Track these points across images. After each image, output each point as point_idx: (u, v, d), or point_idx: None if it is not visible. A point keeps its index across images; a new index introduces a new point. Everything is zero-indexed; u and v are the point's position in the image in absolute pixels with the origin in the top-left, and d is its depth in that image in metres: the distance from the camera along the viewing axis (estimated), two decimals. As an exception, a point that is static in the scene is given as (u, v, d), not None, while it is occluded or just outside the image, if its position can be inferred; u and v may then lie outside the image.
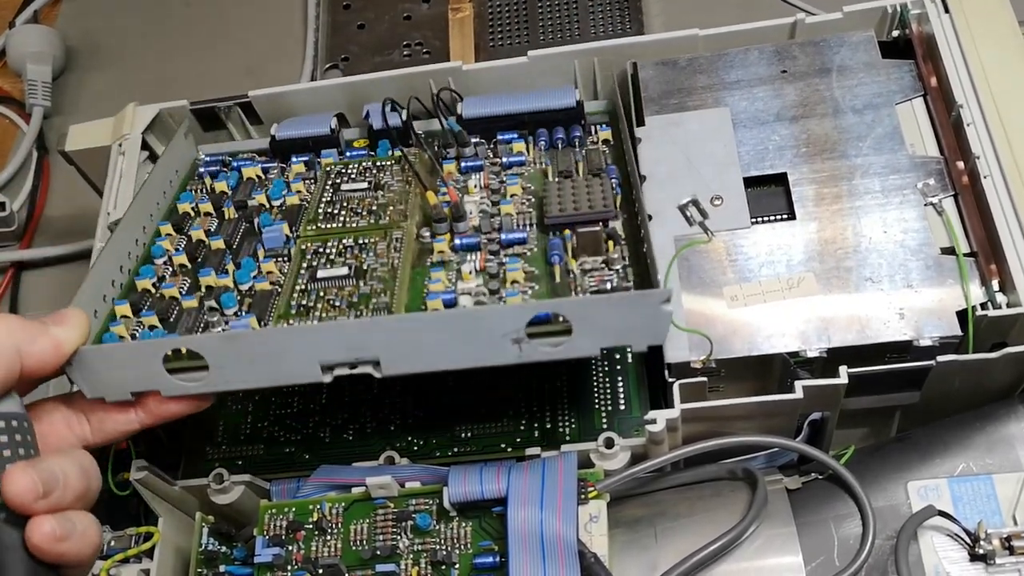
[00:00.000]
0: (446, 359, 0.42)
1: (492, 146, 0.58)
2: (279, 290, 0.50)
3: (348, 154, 0.60)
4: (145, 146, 0.65)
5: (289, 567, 0.48)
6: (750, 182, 0.53)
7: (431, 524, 0.48)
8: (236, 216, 0.57)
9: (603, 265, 0.48)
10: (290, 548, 0.49)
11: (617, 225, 0.50)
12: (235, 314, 0.50)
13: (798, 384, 0.46)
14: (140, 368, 0.43)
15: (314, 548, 0.49)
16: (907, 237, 0.50)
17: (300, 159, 0.60)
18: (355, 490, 0.50)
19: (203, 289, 0.52)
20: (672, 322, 0.47)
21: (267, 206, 0.57)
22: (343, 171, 0.57)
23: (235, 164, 0.61)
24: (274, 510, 0.50)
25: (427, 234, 0.52)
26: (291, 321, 0.47)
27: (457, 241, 0.51)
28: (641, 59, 0.60)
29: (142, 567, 0.51)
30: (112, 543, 0.53)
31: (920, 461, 0.46)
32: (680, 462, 0.49)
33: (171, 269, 0.54)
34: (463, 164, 0.57)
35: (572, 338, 0.40)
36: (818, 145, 0.54)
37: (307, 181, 0.58)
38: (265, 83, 0.66)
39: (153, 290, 0.52)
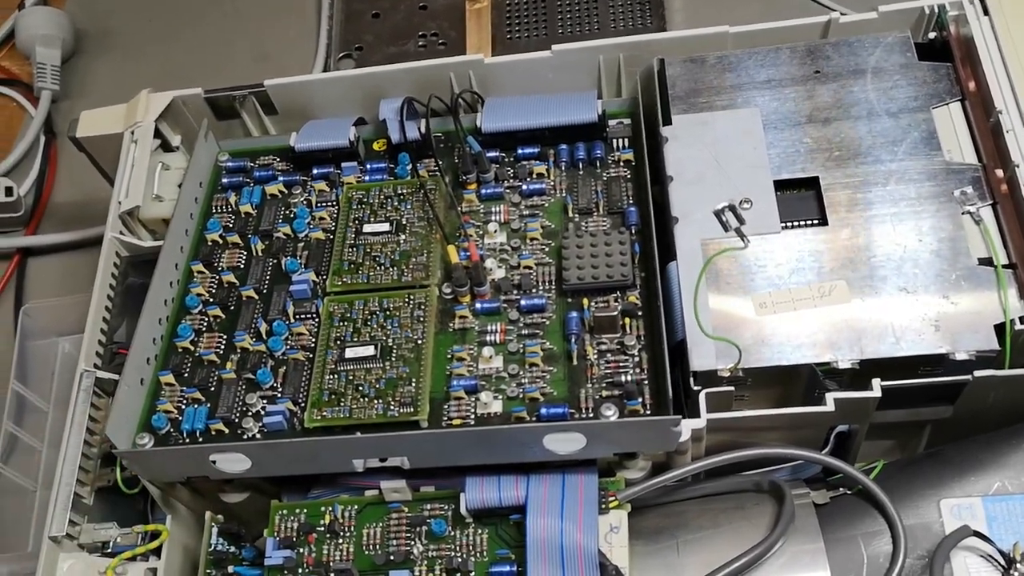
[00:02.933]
0: (468, 458, 0.46)
1: (512, 160, 0.58)
2: (309, 366, 0.51)
3: (368, 169, 0.59)
4: (157, 134, 0.63)
5: (300, 570, 0.47)
6: (780, 185, 0.52)
7: (446, 530, 0.47)
8: (262, 254, 0.56)
9: (619, 347, 0.48)
10: (301, 551, 0.48)
11: (634, 295, 0.50)
12: (271, 388, 0.50)
13: (829, 397, 0.45)
14: (192, 464, 0.48)
15: (326, 551, 0.48)
16: (943, 246, 0.48)
17: (320, 171, 0.60)
18: (368, 493, 0.49)
19: (238, 352, 0.52)
20: (701, 329, 0.46)
21: (291, 238, 0.57)
22: (364, 199, 0.57)
23: (257, 174, 0.61)
24: (285, 511, 0.49)
25: (448, 291, 0.52)
26: (324, 411, 0.48)
27: (478, 305, 0.51)
28: (668, 56, 0.58)
29: (149, 566, 0.50)
30: (119, 540, 0.51)
31: (953, 478, 0.45)
32: (702, 472, 0.48)
33: (206, 322, 0.54)
34: (483, 191, 0.56)
35: (586, 446, 0.45)
36: (851, 149, 0.52)
37: (330, 208, 0.58)
38: (278, 71, 0.64)
39: (191, 348, 0.53)
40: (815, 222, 0.51)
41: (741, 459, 0.46)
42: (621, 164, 0.57)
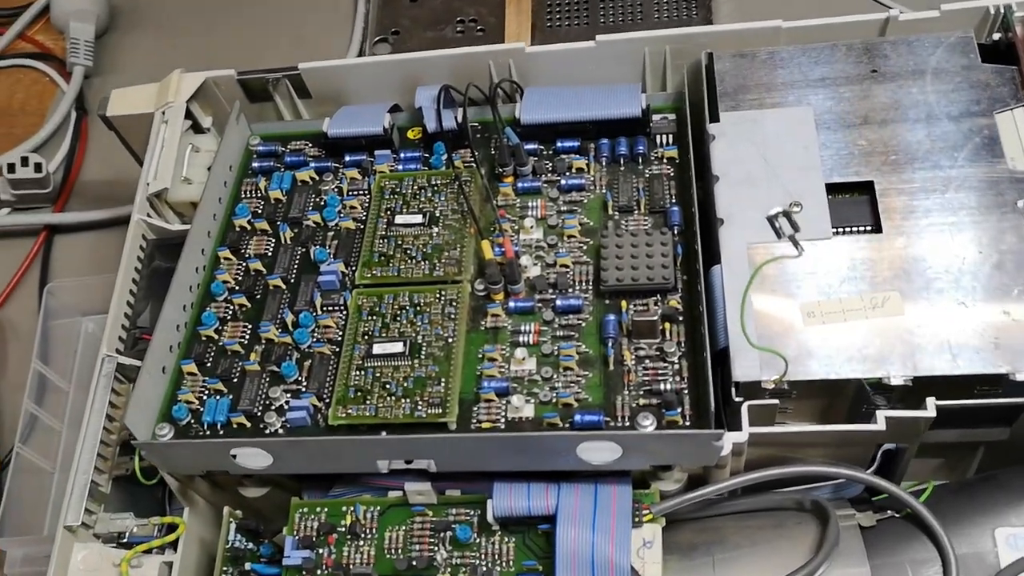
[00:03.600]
0: (497, 464, 0.45)
1: (551, 153, 0.56)
2: (335, 361, 0.49)
3: (402, 158, 0.57)
4: (188, 115, 0.62)
5: (319, 572, 0.46)
6: (832, 189, 0.50)
7: (471, 537, 0.45)
8: (291, 242, 0.55)
9: (658, 353, 0.46)
10: (320, 551, 0.46)
11: (675, 300, 0.48)
12: (295, 382, 0.48)
13: (880, 414, 0.43)
14: (211, 458, 0.47)
15: (346, 553, 0.46)
16: (1005, 259, 0.46)
17: (353, 159, 0.58)
18: (392, 494, 0.47)
19: (263, 343, 0.50)
20: (747, 339, 0.44)
21: (321, 226, 0.55)
22: (397, 189, 0.55)
23: (288, 159, 0.59)
24: (306, 509, 0.48)
25: (481, 288, 0.50)
26: (349, 408, 0.46)
27: (511, 304, 0.49)
28: (717, 50, 0.56)
29: (165, 559, 0.49)
30: (135, 531, 0.50)
31: (1009, 505, 0.42)
32: (740, 487, 0.46)
33: (231, 310, 0.52)
34: (519, 184, 0.54)
35: (621, 457, 0.43)
36: (909, 153, 0.50)
37: (362, 197, 0.56)
38: (312, 55, 0.62)
39: (215, 336, 0.51)
40: (868, 229, 0.49)
41: (783, 476, 0.44)
42: (664, 161, 0.55)
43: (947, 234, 0.47)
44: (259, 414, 0.48)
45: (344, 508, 0.47)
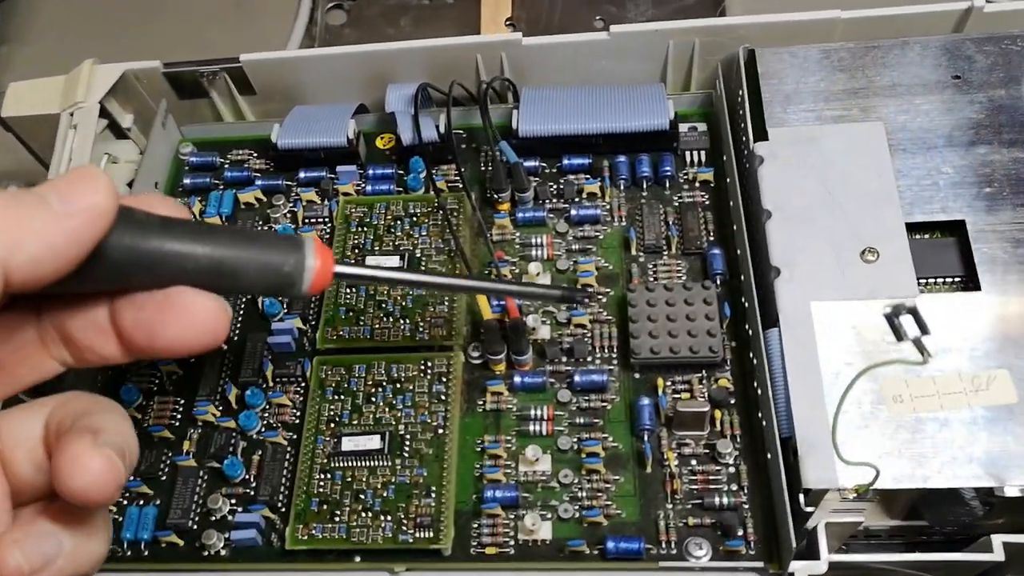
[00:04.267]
0: None
1: (555, 172, 0.46)
2: (293, 456, 0.38)
3: (371, 175, 0.47)
4: (104, 113, 0.50)
5: None
6: (911, 229, 0.40)
7: None
8: None
9: (707, 452, 0.37)
10: None
11: (725, 378, 0.38)
12: (242, 483, 0.38)
13: (997, 541, 0.33)
14: None
15: None
16: None
17: (309, 175, 0.47)
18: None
19: (199, 428, 0.40)
20: (838, 455, 0.34)
21: None
22: (366, 219, 0.44)
23: (228, 175, 0.48)
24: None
25: (477, 356, 0.40)
26: (311, 528, 0.36)
27: (517, 379, 0.39)
28: (757, 45, 0.45)
29: None
30: None
31: None
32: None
33: (157, 380, 0.41)
34: (519, 214, 0.44)
35: None
36: (1009, 184, 0.40)
37: (321, 226, 0.45)
38: (253, 21, 0.50)
39: (137, 418, 0.40)
40: (959, 282, 0.39)
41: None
42: (697, 186, 0.44)
43: (1066, 293, 0.38)
44: (195, 528, 0.37)
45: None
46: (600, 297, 0.41)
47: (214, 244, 0.26)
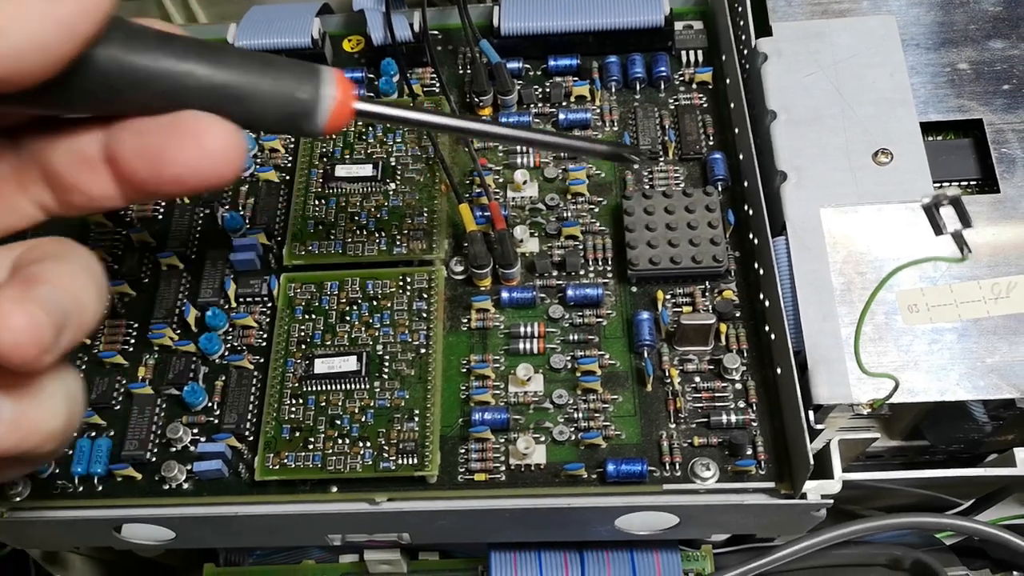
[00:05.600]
0: (501, 536, 0.33)
1: (539, 74, 0.42)
2: (260, 378, 0.35)
3: None
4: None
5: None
6: (926, 129, 0.37)
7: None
8: (188, 201, 0.40)
9: (712, 368, 0.34)
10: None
11: (730, 290, 0.35)
12: (205, 412, 0.34)
13: (1020, 455, 0.31)
14: (86, 533, 0.34)
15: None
16: None
17: None
18: (344, 559, 0.35)
19: (156, 353, 0.36)
20: (860, 365, 0.32)
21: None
22: None
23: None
24: (225, 580, 0.35)
25: (461, 271, 0.36)
26: (283, 457, 0.32)
27: (504, 295, 0.36)
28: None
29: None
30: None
31: None
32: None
33: (108, 302, 0.36)
34: (503, 118, 0.41)
35: (677, 526, 0.31)
36: (1031, 81, 0.37)
37: (285, 137, 0.41)
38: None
39: (87, 343, 0.36)
40: (978, 186, 0.36)
41: (883, 530, 0.33)
42: (694, 87, 0.41)
43: (1091, 195, 0.35)
44: (154, 461, 0.34)
45: (279, 580, 0.34)
46: (593, 207, 0.38)
47: (218, 62, 0.22)
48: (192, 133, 0.21)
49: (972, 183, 0.37)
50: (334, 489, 0.32)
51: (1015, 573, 0.34)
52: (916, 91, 0.38)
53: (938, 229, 0.33)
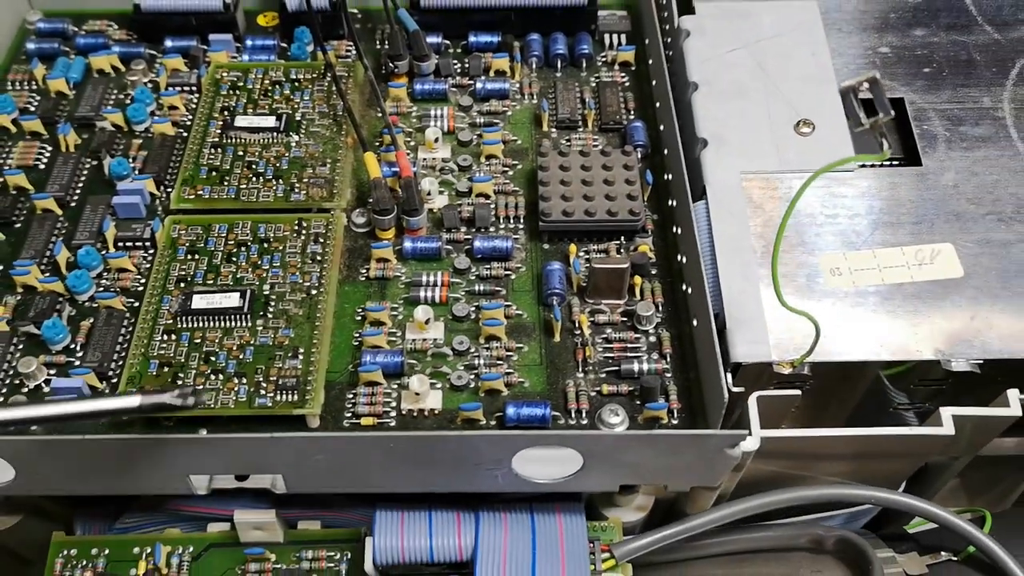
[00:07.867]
0: (385, 483, 0.29)
1: (459, 52, 0.41)
2: (131, 321, 0.32)
3: (249, 46, 0.41)
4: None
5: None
6: (851, 108, 0.36)
7: (338, 595, 0.29)
8: (76, 150, 0.38)
9: (625, 319, 0.32)
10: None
11: (646, 244, 0.34)
12: (65, 351, 0.31)
13: (946, 414, 0.29)
14: None
15: (135, 624, 0.29)
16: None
17: (177, 44, 0.42)
18: (213, 527, 0.31)
19: (19, 292, 0.33)
20: (779, 299, 0.30)
21: (123, 131, 0.38)
22: (238, 84, 0.38)
23: (81, 42, 0.42)
24: (74, 549, 0.31)
25: (363, 221, 0.34)
26: (149, 388, 0.29)
27: (408, 244, 0.34)
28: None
29: None
30: None
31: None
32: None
33: None
34: (417, 86, 0.39)
35: (583, 470, 0.28)
36: (951, 64, 0.38)
37: (187, 94, 0.39)
38: None
39: None
40: (899, 161, 0.36)
41: (799, 501, 0.30)
42: (616, 67, 0.40)
43: (1009, 171, 0.35)
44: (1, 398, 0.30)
45: (136, 549, 0.30)
46: (507, 170, 0.36)
47: None
48: None
49: (897, 160, 0.36)
50: (203, 432, 0.29)
51: (943, 553, 0.31)
52: (838, 71, 0.38)
53: (858, 120, 0.32)
